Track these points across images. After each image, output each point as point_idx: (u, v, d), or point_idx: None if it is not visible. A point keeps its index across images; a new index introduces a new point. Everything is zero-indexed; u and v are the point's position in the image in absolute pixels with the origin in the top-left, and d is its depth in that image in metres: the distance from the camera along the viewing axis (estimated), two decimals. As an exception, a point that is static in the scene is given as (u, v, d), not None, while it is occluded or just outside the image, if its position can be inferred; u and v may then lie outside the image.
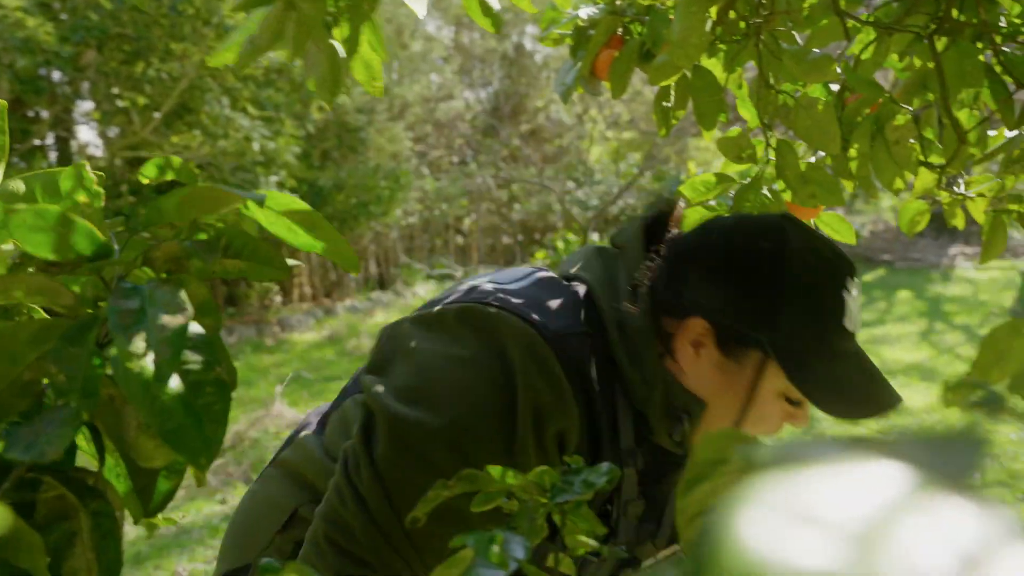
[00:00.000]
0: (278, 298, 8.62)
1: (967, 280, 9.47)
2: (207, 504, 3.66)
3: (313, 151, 8.76)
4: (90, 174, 0.49)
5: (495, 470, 0.55)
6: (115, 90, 6.12)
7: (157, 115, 6.25)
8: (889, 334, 6.85)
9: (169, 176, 0.49)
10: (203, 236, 0.49)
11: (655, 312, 0.83)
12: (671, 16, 0.87)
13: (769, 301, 0.80)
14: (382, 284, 10.40)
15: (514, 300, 0.80)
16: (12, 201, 0.61)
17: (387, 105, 10.44)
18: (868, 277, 10.53)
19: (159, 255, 0.47)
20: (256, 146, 6.48)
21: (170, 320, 0.45)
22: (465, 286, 0.87)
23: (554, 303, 0.82)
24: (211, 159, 6.48)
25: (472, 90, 15.36)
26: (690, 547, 0.41)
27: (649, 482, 0.87)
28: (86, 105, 7.29)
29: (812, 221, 0.97)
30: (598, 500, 0.83)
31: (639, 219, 0.89)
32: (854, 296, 0.82)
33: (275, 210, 0.49)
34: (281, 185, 7.31)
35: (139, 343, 0.43)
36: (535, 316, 0.78)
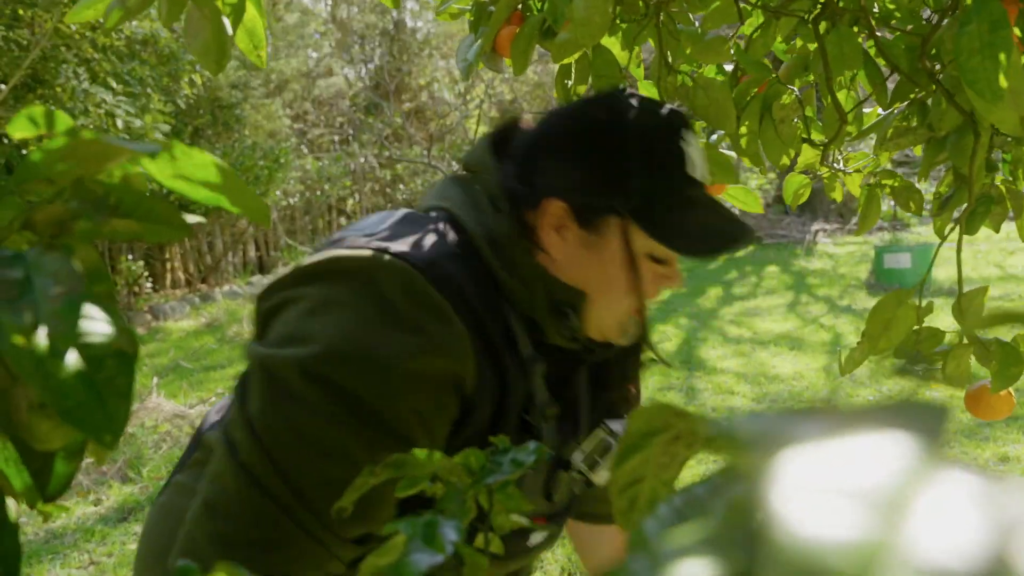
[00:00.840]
0: (148, 284, 8.15)
1: (828, 255, 10.17)
2: (80, 505, 3.44)
3: (184, 129, 8.30)
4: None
5: (421, 453, 0.55)
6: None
7: (3, 87, 5.72)
8: (760, 306, 7.27)
9: (48, 128, 0.45)
10: (87, 195, 0.45)
11: (517, 213, 0.85)
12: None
13: (615, 166, 0.83)
14: (262, 268, 10.03)
15: (381, 240, 0.81)
16: None
17: (263, 81, 10.01)
18: (740, 253, 11.12)
19: (42, 217, 0.43)
20: (120, 123, 6.06)
21: (61, 290, 0.41)
22: (332, 239, 0.86)
23: (421, 234, 0.83)
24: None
25: (352, 67, 14.96)
26: (622, 516, 0.42)
27: (559, 384, 0.89)
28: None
29: (720, 196, 1.01)
30: (515, 413, 0.84)
31: (485, 137, 0.91)
32: (694, 146, 0.86)
33: (171, 163, 0.46)
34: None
35: (27, 316, 0.40)
36: (404, 250, 0.79)
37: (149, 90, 6.75)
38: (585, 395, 0.96)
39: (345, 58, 14.58)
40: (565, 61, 0.91)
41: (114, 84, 6.32)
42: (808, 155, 0.98)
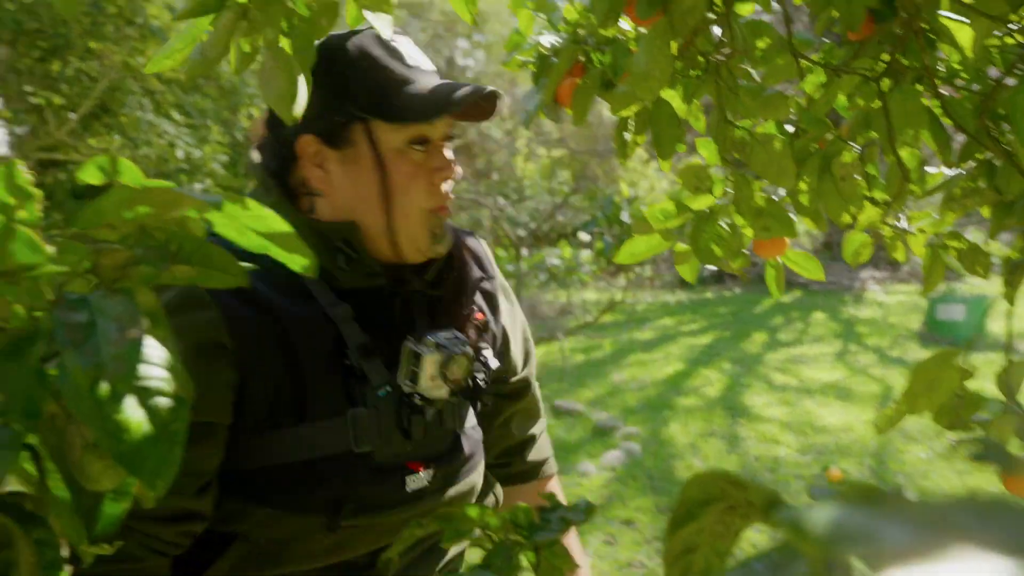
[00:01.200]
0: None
1: (877, 303, 9.93)
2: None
3: (240, 159, 8.54)
4: (24, 174, 0.46)
5: (473, 510, 0.54)
6: (28, 88, 5.82)
7: (74, 116, 5.98)
8: (806, 354, 7.11)
9: (117, 177, 0.46)
10: (150, 241, 0.46)
11: (280, 181, 0.93)
12: (632, 48, 0.88)
13: (334, 80, 0.89)
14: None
15: None
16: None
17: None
18: (786, 299, 10.93)
19: (107, 262, 0.44)
20: (180, 153, 6.27)
21: (124, 335, 0.42)
22: None
23: None
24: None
25: (404, 103, 15.21)
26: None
27: (377, 326, 0.92)
28: (-5, 102, 6.91)
29: (779, 258, 0.99)
30: (325, 360, 0.88)
31: (250, 151, 1.00)
32: (403, 42, 0.93)
33: (228, 213, 0.47)
34: (207, 193, 7.07)
35: (90, 359, 0.40)
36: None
37: (209, 122, 6.98)
38: (422, 328, 0.96)
39: (397, 94, 14.86)
40: (624, 113, 0.91)
41: (176, 115, 6.55)
42: (870, 213, 0.95)
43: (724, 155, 0.80)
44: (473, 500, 1.04)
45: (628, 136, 0.89)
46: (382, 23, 0.64)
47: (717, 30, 0.81)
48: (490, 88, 0.89)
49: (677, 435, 4.73)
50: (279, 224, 0.50)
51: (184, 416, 0.43)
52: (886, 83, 0.81)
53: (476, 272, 1.04)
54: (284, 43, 0.66)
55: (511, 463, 1.17)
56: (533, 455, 1.18)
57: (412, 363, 0.91)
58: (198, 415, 0.80)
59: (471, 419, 1.03)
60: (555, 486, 1.22)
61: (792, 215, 0.87)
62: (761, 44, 0.79)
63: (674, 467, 4.15)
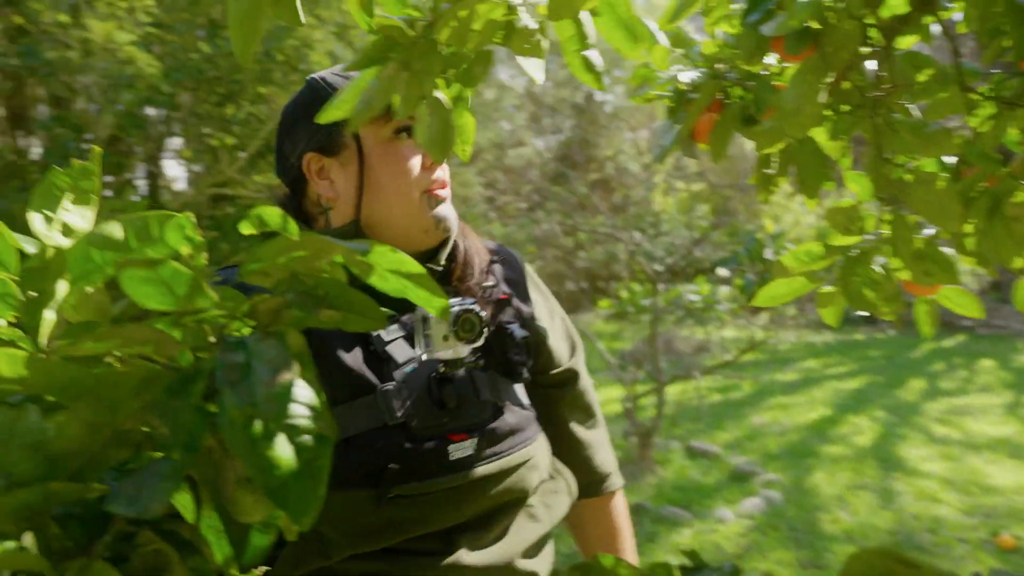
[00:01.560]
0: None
1: (1057, 351, 8.96)
2: None
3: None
4: (191, 223, 0.49)
5: (607, 560, 0.52)
6: (206, 130, 6.40)
7: (243, 155, 6.51)
8: (972, 405, 6.50)
9: (273, 227, 0.49)
10: (300, 287, 0.49)
11: (298, 208, 1.03)
12: (775, 83, 0.85)
13: (321, 100, 0.96)
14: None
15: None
16: (107, 247, 0.62)
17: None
18: (948, 343, 10.08)
19: (263, 307, 0.47)
20: (333, 187, 6.66)
21: (277, 376, 0.44)
22: None
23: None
24: (290, 198, 6.68)
25: (542, 138, 15.53)
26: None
27: (398, 311, 0.98)
28: (176, 142, 7.66)
29: (932, 296, 0.91)
30: (348, 343, 0.95)
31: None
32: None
33: (370, 260, 0.49)
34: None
35: (246, 398, 0.42)
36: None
37: (359, 158, 7.38)
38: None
39: (536, 129, 15.18)
40: (768, 150, 0.88)
41: (330, 153, 6.98)
42: (1045, 255, 0.86)
43: (880, 194, 0.75)
44: (534, 473, 1.03)
45: (769, 173, 0.85)
46: (535, 69, 0.64)
47: (872, 64, 0.77)
48: None
49: (822, 485, 4.43)
50: (414, 267, 0.51)
51: (327, 454, 0.44)
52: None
53: (484, 253, 1.10)
54: (442, 89, 0.68)
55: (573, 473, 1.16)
56: (595, 465, 1.16)
57: (423, 328, 0.95)
58: None
59: (517, 396, 1.05)
60: (619, 504, 1.20)
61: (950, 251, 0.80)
62: (921, 78, 0.74)
63: (819, 519, 3.88)
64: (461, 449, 0.95)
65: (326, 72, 1.04)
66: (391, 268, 0.52)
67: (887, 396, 6.90)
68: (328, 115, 0.63)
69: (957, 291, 0.95)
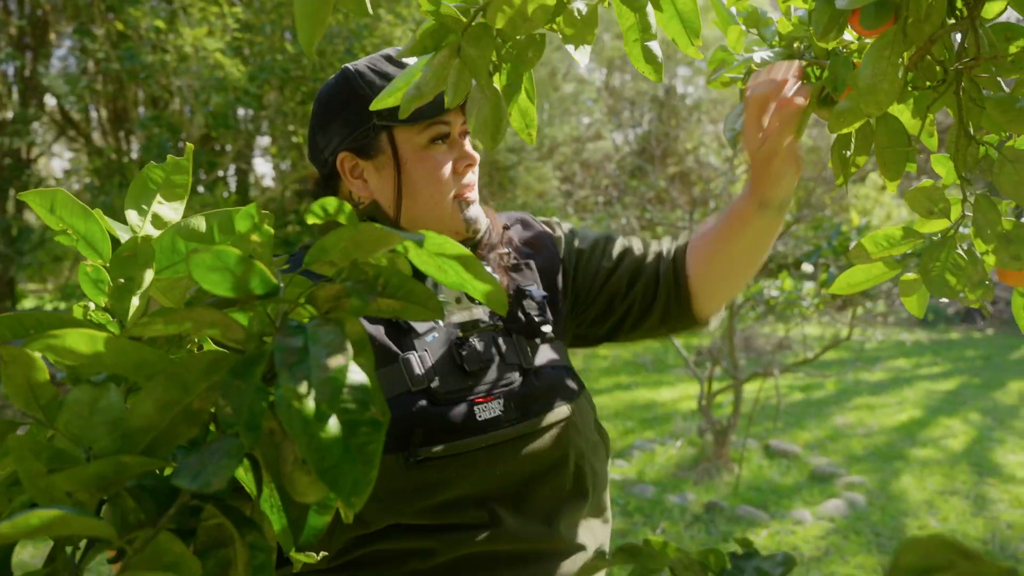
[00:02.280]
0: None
1: None
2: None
3: (491, 182, 9.06)
4: (260, 214, 0.51)
5: (657, 541, 0.52)
6: (291, 127, 6.61)
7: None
8: (1080, 410, 6.10)
9: (341, 218, 0.50)
10: (360, 275, 0.50)
11: (328, 195, 1.00)
12: (855, 60, 0.81)
13: (356, 97, 1.00)
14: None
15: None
16: (191, 238, 0.64)
17: (537, 145, 10.65)
18: (1054, 343, 9.48)
19: (322, 294, 0.48)
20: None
21: (332, 360, 0.45)
22: None
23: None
24: (369, 193, 6.83)
25: (621, 131, 15.37)
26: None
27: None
28: (264, 140, 7.94)
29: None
30: (378, 326, 0.98)
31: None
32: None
33: (430, 251, 0.49)
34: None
35: (303, 381, 0.44)
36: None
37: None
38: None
39: (615, 123, 15.04)
40: (845, 130, 0.84)
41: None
42: None
43: (964, 174, 0.71)
44: (572, 434, 1.02)
45: (847, 155, 0.81)
46: (582, 55, 0.64)
47: (958, 36, 0.73)
48: None
49: (910, 490, 4.24)
50: (471, 263, 0.51)
51: (379, 439, 0.45)
52: None
53: (498, 226, 1.11)
54: (499, 79, 0.68)
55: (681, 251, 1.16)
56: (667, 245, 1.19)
57: (435, 292, 0.99)
58: None
59: (548, 357, 1.05)
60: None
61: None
62: (1013, 49, 0.69)
63: (906, 525, 3.72)
64: (488, 410, 0.96)
65: (363, 63, 1.05)
66: (453, 263, 0.52)
67: (983, 398, 6.54)
68: (380, 103, 0.64)
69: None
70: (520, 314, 1.03)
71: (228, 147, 7.22)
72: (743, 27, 0.92)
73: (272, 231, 0.56)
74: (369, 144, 1.01)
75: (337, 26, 5.85)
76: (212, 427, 0.52)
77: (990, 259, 0.75)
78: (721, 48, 0.96)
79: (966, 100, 0.67)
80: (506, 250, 1.11)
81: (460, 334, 0.99)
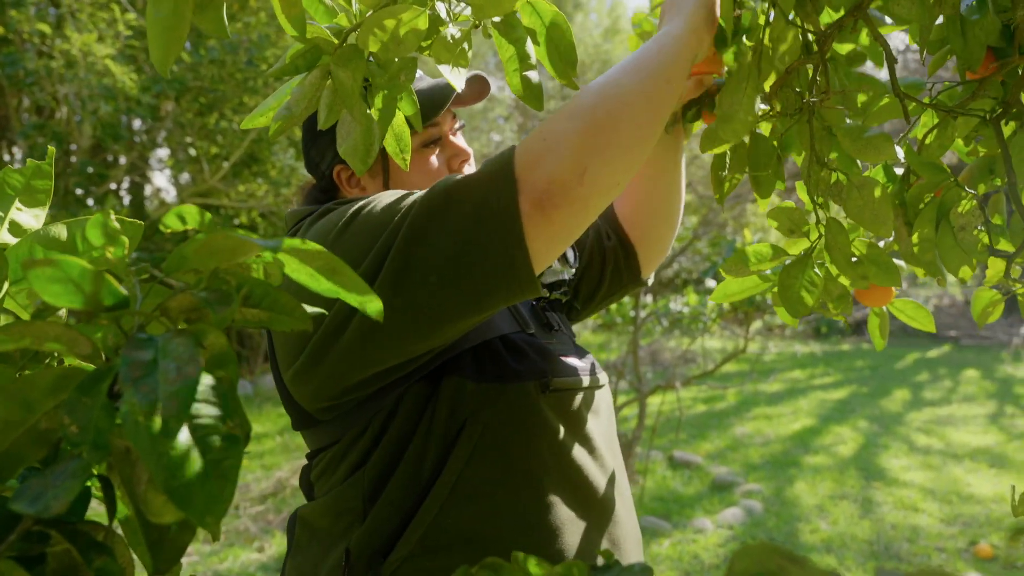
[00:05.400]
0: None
1: (1040, 361, 9.03)
2: (244, 551, 3.65)
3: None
4: (114, 223, 0.49)
5: (519, 555, 0.52)
6: (189, 139, 6.39)
7: (226, 164, 6.50)
8: (954, 415, 6.54)
9: (191, 224, 0.49)
10: (221, 285, 0.48)
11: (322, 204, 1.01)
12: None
13: None
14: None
15: None
16: (51, 247, 0.61)
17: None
18: (933, 354, 10.14)
19: (173, 305, 0.46)
20: (317, 197, 6.65)
21: (181, 373, 0.44)
22: None
23: None
24: (274, 208, 6.68)
25: (531, 150, 15.53)
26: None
27: None
28: (162, 152, 7.64)
29: (885, 308, 0.92)
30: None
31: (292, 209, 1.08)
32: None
33: (295, 257, 0.49)
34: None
35: (148, 396, 0.42)
36: None
37: (345, 168, 7.38)
38: None
39: (524, 141, 15.19)
40: (719, 151, 0.88)
41: (315, 163, 6.97)
42: (998, 267, 0.87)
43: (816, 199, 0.75)
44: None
45: (724, 175, 0.85)
46: (457, 78, 0.65)
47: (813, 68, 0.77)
48: (474, 72, 1.02)
49: (803, 495, 4.44)
50: (342, 270, 0.51)
51: (237, 454, 0.44)
52: (1011, 127, 0.74)
53: None
54: (374, 101, 0.68)
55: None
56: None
57: None
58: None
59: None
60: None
61: (900, 263, 0.80)
62: (863, 97, 0.75)
63: (799, 530, 3.89)
64: (573, 362, 0.99)
65: None
66: (322, 269, 0.52)
67: (871, 406, 6.92)
68: (249, 122, 0.62)
69: (911, 304, 0.95)
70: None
71: (122, 159, 6.91)
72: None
73: (126, 239, 0.54)
74: None
75: (237, 35, 5.71)
76: (67, 447, 0.50)
77: (844, 280, 0.80)
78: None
79: (819, 128, 0.72)
80: None
81: (547, 294, 1.05)
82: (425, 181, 1.01)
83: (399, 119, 0.67)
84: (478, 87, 1.05)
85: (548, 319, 1.04)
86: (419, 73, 1.01)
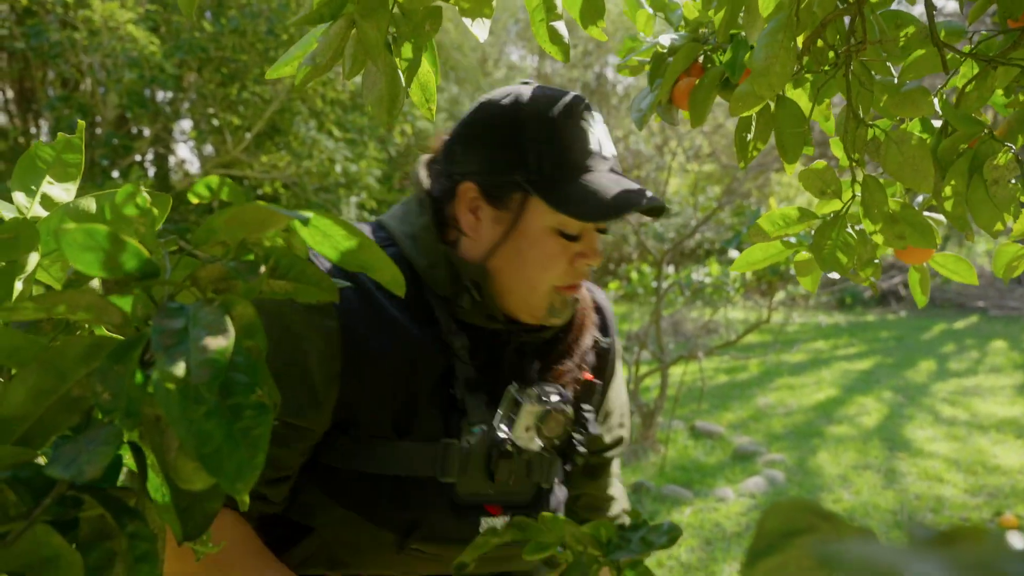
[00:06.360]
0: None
1: (1070, 332, 8.88)
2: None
3: (395, 174, 8.96)
4: (144, 194, 0.49)
5: (548, 515, 0.53)
6: (211, 110, 6.40)
7: (249, 135, 6.51)
8: (981, 385, 6.46)
9: (224, 196, 0.48)
10: (250, 256, 0.48)
11: (437, 207, 0.95)
12: (754, 44, 0.83)
13: (515, 144, 0.91)
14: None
15: None
16: (81, 220, 0.62)
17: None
18: (960, 324, 10.01)
19: (203, 275, 0.46)
20: (339, 168, 6.65)
21: (212, 342, 0.44)
22: None
23: None
24: (296, 179, 6.70)
25: (553, 119, 15.39)
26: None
27: (488, 365, 0.95)
28: (185, 124, 7.67)
29: (926, 263, 0.90)
30: (432, 387, 0.91)
31: (419, 162, 1.02)
32: (593, 122, 0.94)
33: (321, 230, 0.48)
34: (362, 206, 7.48)
35: (180, 364, 0.42)
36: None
37: (366, 138, 7.37)
38: (529, 376, 0.97)
39: (546, 110, 15.05)
40: (745, 114, 0.86)
41: (336, 133, 6.97)
42: (1024, 223, 0.84)
43: (853, 156, 0.73)
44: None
45: (749, 138, 0.84)
46: (480, 29, 0.64)
47: (849, 20, 0.75)
48: (659, 201, 0.90)
49: (826, 465, 4.43)
50: (367, 245, 0.51)
51: (267, 422, 0.44)
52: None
53: (590, 338, 1.04)
54: (399, 53, 0.67)
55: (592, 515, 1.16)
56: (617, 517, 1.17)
57: (511, 410, 0.92)
58: (296, 418, 0.85)
59: (561, 475, 1.03)
60: None
61: (938, 217, 0.78)
62: (902, 34, 0.72)
63: (821, 499, 3.88)
64: (492, 523, 0.94)
65: (543, 103, 0.93)
66: (343, 246, 0.52)
67: (896, 377, 6.86)
68: (274, 72, 0.62)
69: (952, 257, 0.93)
70: (563, 439, 0.96)
71: (146, 131, 6.95)
72: (650, 11, 0.93)
73: (155, 211, 0.53)
74: (501, 194, 0.92)
75: (258, 4, 5.68)
76: (99, 415, 0.50)
77: (878, 238, 0.78)
78: (630, 37, 0.97)
79: (855, 83, 0.70)
80: (588, 365, 1.05)
81: (507, 448, 0.92)
82: (539, 265, 0.92)
83: (424, 69, 0.66)
84: (656, 208, 0.91)
85: (500, 470, 0.93)
86: (604, 158, 0.93)
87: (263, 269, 0.49)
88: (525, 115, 0.92)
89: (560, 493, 1.03)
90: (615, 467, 1.17)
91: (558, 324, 0.97)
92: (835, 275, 0.85)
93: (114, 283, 0.48)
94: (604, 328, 1.09)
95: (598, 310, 1.09)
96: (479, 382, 0.93)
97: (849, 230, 0.78)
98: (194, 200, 0.49)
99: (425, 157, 1.02)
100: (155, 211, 0.54)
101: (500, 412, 0.92)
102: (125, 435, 0.50)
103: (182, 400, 0.41)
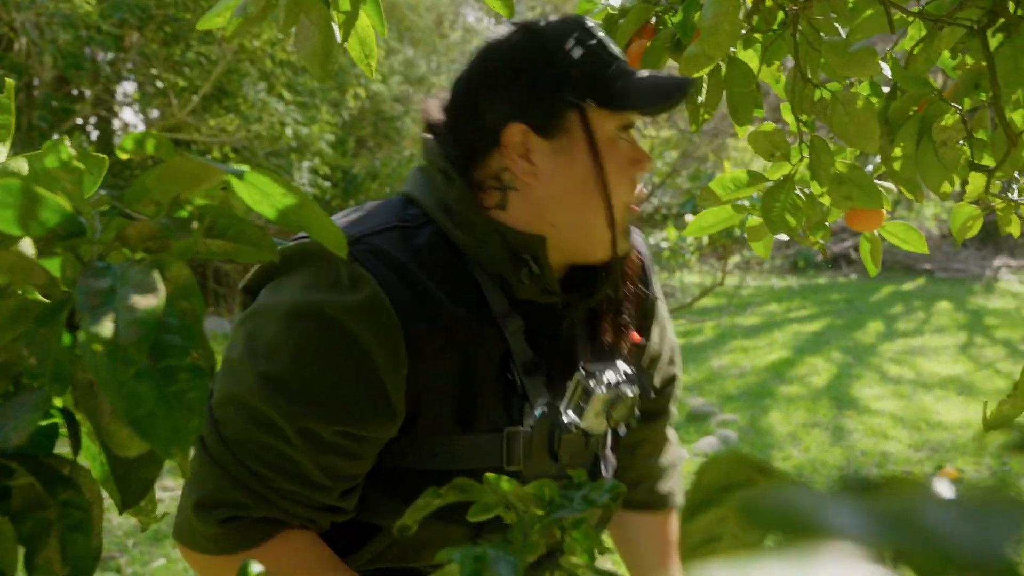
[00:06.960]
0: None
1: (1011, 294, 9.21)
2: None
3: (348, 139, 8.79)
4: (69, 149, 0.47)
5: (492, 477, 0.52)
6: (155, 71, 6.18)
7: (195, 98, 6.31)
8: (927, 345, 6.69)
9: (149, 149, 0.46)
10: (184, 213, 0.46)
11: (466, 172, 0.88)
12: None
13: (552, 66, 0.86)
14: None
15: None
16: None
17: (424, 95, 10.42)
18: (908, 286, 10.30)
19: (132, 233, 0.44)
20: (290, 131, 6.51)
21: (140, 300, 0.42)
22: None
23: (368, 216, 0.88)
24: (246, 143, 6.53)
25: (510, 83, 15.25)
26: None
27: (547, 341, 0.91)
28: (129, 86, 7.40)
29: (877, 231, 0.91)
30: (491, 371, 0.86)
31: (425, 130, 0.94)
32: (602, 33, 0.90)
33: (259, 187, 0.46)
34: (315, 172, 7.34)
35: (107, 325, 0.41)
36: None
37: (318, 101, 7.20)
38: (581, 349, 0.94)
39: (503, 73, 14.90)
40: (696, 75, 0.86)
41: (287, 95, 6.80)
42: (978, 183, 0.86)
43: (801, 117, 0.74)
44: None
45: (700, 100, 0.83)
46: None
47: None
48: (691, 80, 0.84)
49: (777, 424, 4.55)
50: (309, 202, 0.49)
51: (203, 386, 0.43)
52: (998, 38, 0.72)
53: (636, 295, 1.00)
54: (338, 5, 0.65)
55: (635, 491, 1.13)
56: (661, 486, 1.15)
57: (581, 399, 0.89)
58: (373, 430, 0.82)
59: (611, 445, 1.02)
60: (674, 522, 1.17)
61: (888, 186, 0.80)
62: (849, 4, 0.72)
63: (772, 457, 4.00)
64: None
65: (558, 24, 0.88)
66: (281, 203, 0.50)
67: (845, 338, 7.05)
68: (205, 23, 0.59)
69: (902, 226, 0.95)
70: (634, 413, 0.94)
71: (87, 93, 6.68)
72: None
73: (84, 167, 0.51)
74: (552, 122, 0.86)
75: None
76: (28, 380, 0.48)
77: (826, 200, 0.79)
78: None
79: (803, 43, 0.69)
80: (635, 324, 1.00)
81: (573, 431, 0.89)
82: (619, 177, 0.87)
83: (363, 22, 0.64)
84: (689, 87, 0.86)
85: (563, 449, 0.91)
86: (624, 59, 0.88)
87: (195, 225, 0.47)
88: (547, 38, 0.87)
89: (612, 459, 1.02)
90: (672, 408, 1.15)
91: (628, 250, 0.93)
92: (785, 237, 0.86)
93: (40, 242, 0.45)
94: (645, 278, 1.04)
95: (638, 262, 1.04)
96: (536, 363, 0.89)
97: (798, 192, 0.78)
98: (122, 156, 0.47)
99: (426, 127, 0.95)
100: (82, 167, 0.51)
101: (570, 400, 0.89)
102: (58, 401, 0.49)
103: (110, 362, 0.40)
